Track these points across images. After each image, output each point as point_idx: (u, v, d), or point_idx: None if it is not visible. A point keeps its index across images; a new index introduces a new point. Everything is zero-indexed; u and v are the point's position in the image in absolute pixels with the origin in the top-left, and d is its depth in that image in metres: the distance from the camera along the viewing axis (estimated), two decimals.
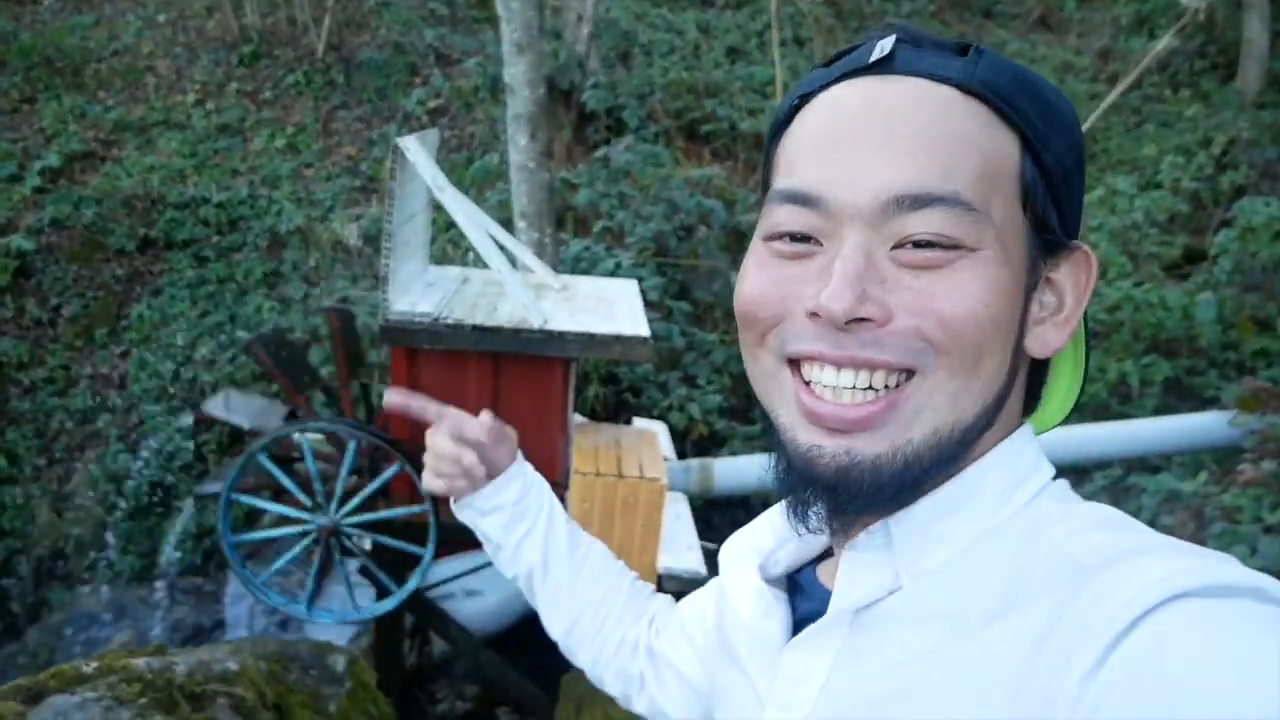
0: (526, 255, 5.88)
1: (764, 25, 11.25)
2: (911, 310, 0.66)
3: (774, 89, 9.77)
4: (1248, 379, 5.77)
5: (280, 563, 4.94)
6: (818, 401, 0.68)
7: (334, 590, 5.47)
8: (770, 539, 0.87)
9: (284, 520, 4.94)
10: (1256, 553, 4.24)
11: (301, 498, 4.86)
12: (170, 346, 8.54)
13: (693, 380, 7.24)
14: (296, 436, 4.96)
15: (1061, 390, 0.83)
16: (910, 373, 0.67)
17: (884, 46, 0.69)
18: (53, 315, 8.78)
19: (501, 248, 5.28)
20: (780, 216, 0.70)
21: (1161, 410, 6.31)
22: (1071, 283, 0.73)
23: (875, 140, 0.67)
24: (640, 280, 6.58)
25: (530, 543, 1.20)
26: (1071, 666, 0.55)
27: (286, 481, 4.81)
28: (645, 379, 7.23)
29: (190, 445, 7.77)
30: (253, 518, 6.41)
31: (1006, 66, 0.69)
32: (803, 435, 0.70)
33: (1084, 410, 6.51)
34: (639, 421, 6.12)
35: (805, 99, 0.73)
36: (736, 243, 8.02)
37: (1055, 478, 0.74)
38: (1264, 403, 5.16)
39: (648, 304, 6.57)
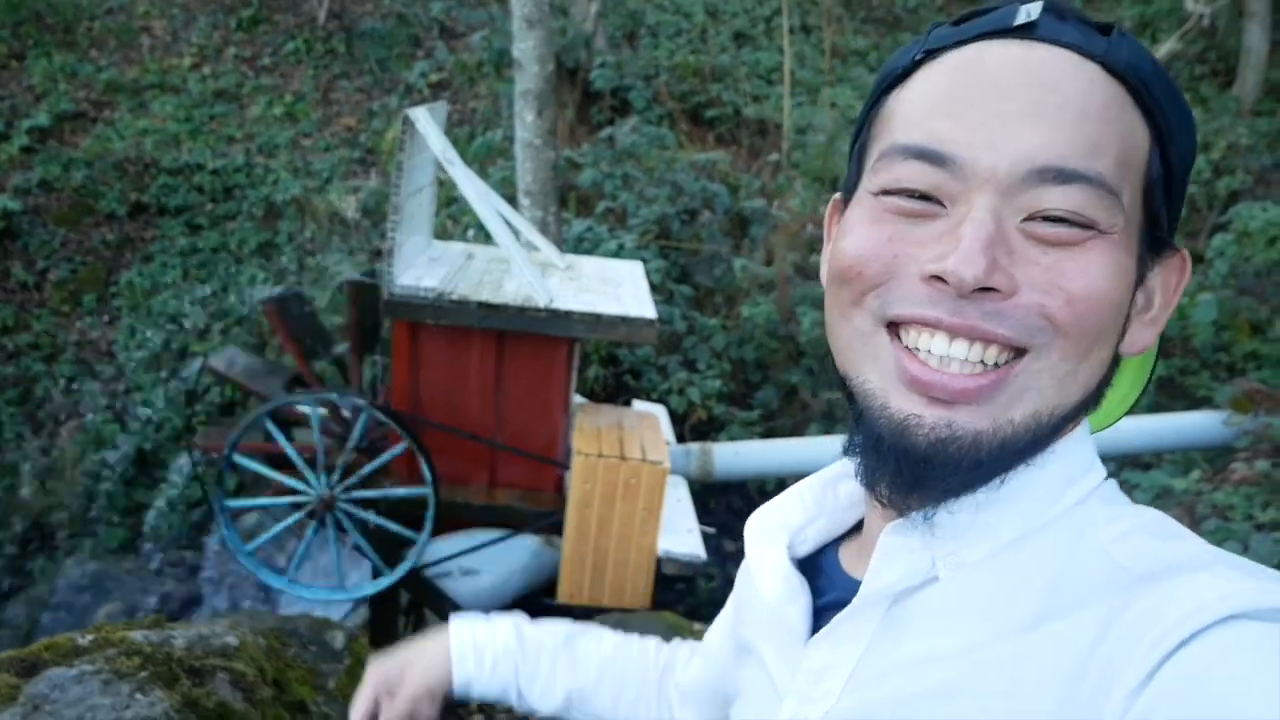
0: (532, 233, 5.86)
1: (773, 11, 11.21)
2: (1039, 286, 0.63)
3: (780, 75, 9.75)
4: (1241, 380, 5.84)
5: (270, 532, 4.92)
6: (923, 368, 0.65)
7: (321, 566, 5.45)
8: (799, 515, 0.84)
9: (280, 489, 4.91)
10: (1249, 549, 4.29)
11: (302, 467, 4.83)
12: (161, 315, 8.46)
13: (693, 364, 7.25)
14: (305, 406, 4.94)
15: (1121, 392, 0.81)
16: (1022, 351, 0.64)
17: (1030, 11, 0.67)
18: (39, 279, 8.68)
19: (508, 225, 5.26)
20: (902, 172, 0.66)
21: (1155, 409, 6.36)
22: (1163, 285, 0.72)
23: (1022, 104, 0.64)
24: (643, 262, 6.57)
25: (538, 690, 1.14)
26: (1119, 680, 0.54)
27: (290, 449, 4.78)
28: (646, 362, 7.23)
29: (176, 417, 7.70)
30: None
31: (1146, 53, 0.67)
32: (899, 401, 0.66)
33: None
34: (639, 404, 6.12)
35: (931, 54, 0.69)
36: (739, 228, 8.02)
37: (1107, 477, 0.73)
38: (1258, 404, 5.22)
39: (650, 287, 6.57)
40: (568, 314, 4.86)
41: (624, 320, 4.92)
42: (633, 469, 4.79)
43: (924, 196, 0.66)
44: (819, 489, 0.85)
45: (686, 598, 5.78)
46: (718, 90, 9.95)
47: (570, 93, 9.45)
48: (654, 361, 7.21)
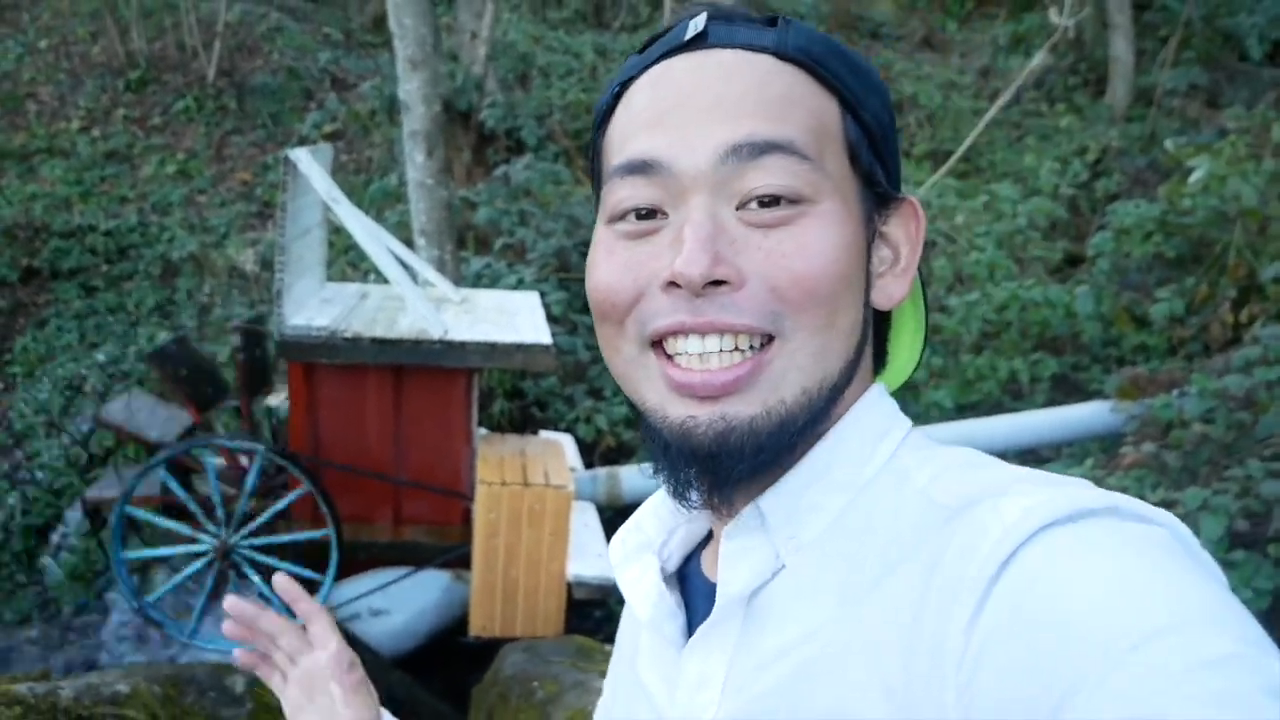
0: (427, 270, 5.83)
1: None
2: (762, 272, 0.66)
3: None
4: (1126, 369, 6.05)
5: (170, 584, 4.77)
6: (685, 372, 0.67)
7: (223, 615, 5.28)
8: (657, 530, 0.83)
9: (177, 539, 4.78)
10: None
11: (199, 516, 4.70)
12: (59, 379, 8.19)
13: (599, 392, 7.25)
14: (204, 454, 4.83)
15: (905, 345, 0.83)
16: (770, 337, 0.67)
17: (697, 24, 0.71)
18: None
19: (401, 263, 5.24)
20: (622, 193, 0.70)
21: (1051, 405, 6.56)
22: (904, 234, 0.75)
23: (706, 103, 0.67)
24: (543, 295, 6.58)
25: None
26: (952, 619, 0.55)
27: (185, 497, 4.65)
28: (551, 393, 7.22)
29: (76, 480, 7.43)
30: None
31: (816, 34, 0.72)
32: (675, 409, 0.68)
33: (979, 408, 6.74)
34: (545, 434, 6.11)
35: (625, 85, 0.73)
36: None
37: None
38: (1142, 389, 5.41)
39: (552, 319, 6.57)
40: (463, 344, 4.85)
41: (520, 348, 4.92)
42: (537, 494, 4.76)
43: (647, 214, 0.69)
44: (673, 501, 0.82)
45: (604, 625, 5.72)
46: None
47: (464, 135, 9.48)
48: (559, 392, 7.20)
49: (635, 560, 0.82)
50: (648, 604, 0.78)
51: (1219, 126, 8.32)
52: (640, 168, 0.68)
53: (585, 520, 5.33)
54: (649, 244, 0.69)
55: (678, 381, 0.67)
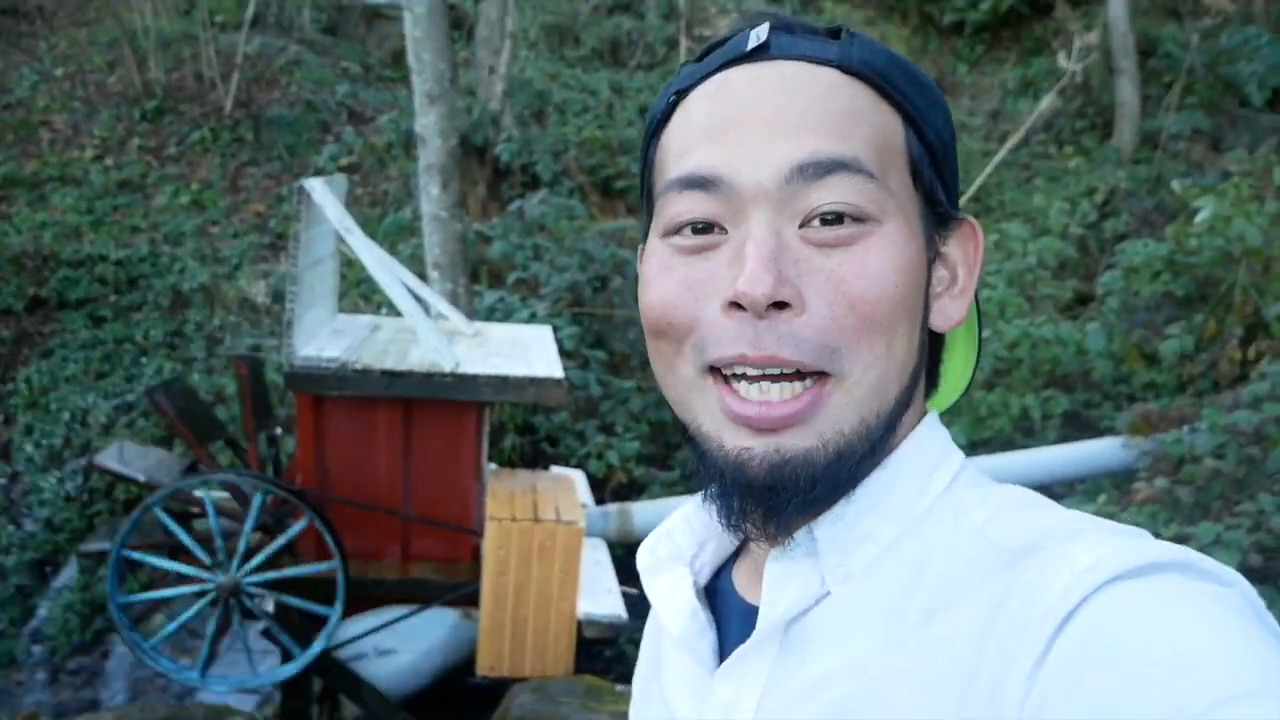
0: (440, 303, 5.84)
1: None
2: (824, 295, 0.64)
3: None
4: (1138, 405, 6.04)
5: (174, 625, 4.72)
6: (743, 404, 0.65)
7: (231, 655, 5.23)
8: (689, 541, 0.81)
9: (180, 579, 4.72)
10: None
11: (201, 555, 4.66)
12: (62, 411, 8.18)
13: (610, 428, 7.24)
14: (199, 490, 4.78)
15: (956, 367, 0.82)
16: (827, 374, 0.65)
17: (759, 34, 0.69)
18: None
19: (414, 296, 5.24)
20: (680, 206, 0.68)
21: (1063, 441, 6.53)
22: (962, 254, 0.74)
23: (768, 117, 0.66)
24: (556, 330, 6.59)
25: None
26: (1015, 664, 0.54)
27: (184, 537, 4.61)
28: (562, 428, 7.20)
29: (77, 518, 7.38)
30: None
31: (880, 48, 0.70)
32: (730, 439, 0.66)
33: (991, 444, 6.72)
34: (556, 470, 6.08)
35: (682, 94, 0.72)
36: None
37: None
38: (1153, 425, 5.39)
39: (564, 353, 6.58)
40: (474, 377, 4.84)
41: (532, 381, 4.90)
42: (547, 531, 4.73)
43: (705, 228, 0.67)
44: (705, 510, 0.80)
45: (615, 664, 5.67)
46: (626, 163, 10.16)
47: (480, 170, 9.55)
48: (571, 427, 7.19)
49: (666, 570, 0.80)
50: (680, 619, 0.76)
51: (1222, 169, 8.37)
52: (700, 183, 0.67)
53: (596, 557, 5.29)
54: (707, 261, 0.67)
55: (735, 412, 0.65)
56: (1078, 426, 6.91)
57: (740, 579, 0.79)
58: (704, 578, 0.81)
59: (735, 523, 0.69)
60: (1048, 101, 9.99)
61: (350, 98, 10.94)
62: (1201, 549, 3.79)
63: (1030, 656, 0.54)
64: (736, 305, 0.64)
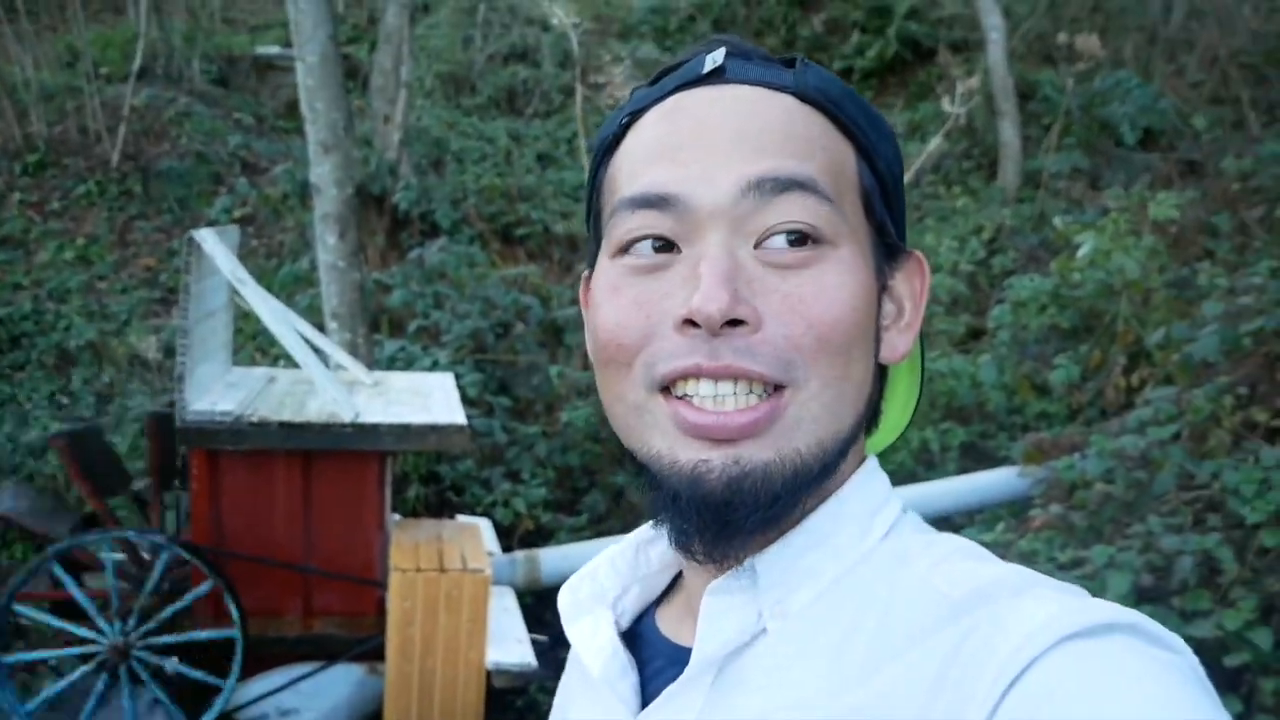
0: (339, 353, 5.74)
1: (572, 133, 11.65)
2: (780, 315, 0.63)
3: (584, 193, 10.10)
4: (1031, 435, 6.24)
5: (56, 688, 4.47)
6: (699, 413, 0.63)
7: None
8: (613, 581, 0.79)
9: (66, 640, 4.50)
10: None
11: (93, 614, 4.44)
12: None
13: (516, 475, 7.17)
14: (99, 551, 4.58)
15: (897, 406, 0.81)
16: (783, 386, 0.64)
17: (715, 58, 0.69)
18: None
19: (312, 347, 5.14)
20: (633, 223, 0.66)
21: (961, 473, 6.71)
22: (908, 289, 0.73)
23: (725, 137, 0.65)
24: (459, 377, 6.52)
25: None
26: (966, 715, 0.54)
27: (79, 594, 4.40)
28: (468, 476, 7.10)
29: None
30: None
31: (833, 78, 0.71)
32: (685, 453, 0.64)
33: (894, 477, 6.81)
34: (462, 518, 5.98)
35: (635, 116, 0.71)
36: (553, 337, 8.10)
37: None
38: (1046, 454, 5.58)
39: (468, 400, 6.50)
40: (375, 427, 4.76)
41: (433, 429, 4.84)
42: (453, 580, 4.64)
43: (661, 246, 0.66)
44: (631, 554, 0.80)
45: (526, 714, 5.56)
46: (526, 209, 10.19)
47: (378, 219, 9.46)
48: (476, 475, 7.09)
49: (587, 611, 0.78)
50: (601, 658, 0.74)
51: (1101, 206, 8.80)
52: (655, 201, 0.65)
53: (504, 605, 5.21)
54: (660, 280, 0.66)
55: (691, 423, 0.63)
56: (975, 457, 7.11)
57: (666, 622, 0.77)
58: (626, 620, 0.79)
59: (686, 543, 0.67)
60: (935, 144, 10.40)
61: (243, 149, 10.74)
62: (1096, 571, 3.91)
63: (980, 714, 0.53)
64: (690, 323, 0.63)
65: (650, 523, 0.72)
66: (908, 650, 0.59)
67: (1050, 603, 0.57)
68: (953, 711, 0.55)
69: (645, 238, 0.66)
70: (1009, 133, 11.11)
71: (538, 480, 7.12)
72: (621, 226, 0.67)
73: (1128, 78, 11.48)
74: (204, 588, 4.49)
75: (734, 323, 0.62)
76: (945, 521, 6.28)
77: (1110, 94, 11.42)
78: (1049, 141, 11.11)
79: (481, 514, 6.68)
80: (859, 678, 0.60)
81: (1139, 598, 3.78)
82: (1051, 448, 5.81)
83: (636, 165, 0.68)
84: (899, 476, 6.83)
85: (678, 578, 0.80)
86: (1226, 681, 3.43)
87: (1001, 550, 5.36)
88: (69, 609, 4.57)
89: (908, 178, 10.12)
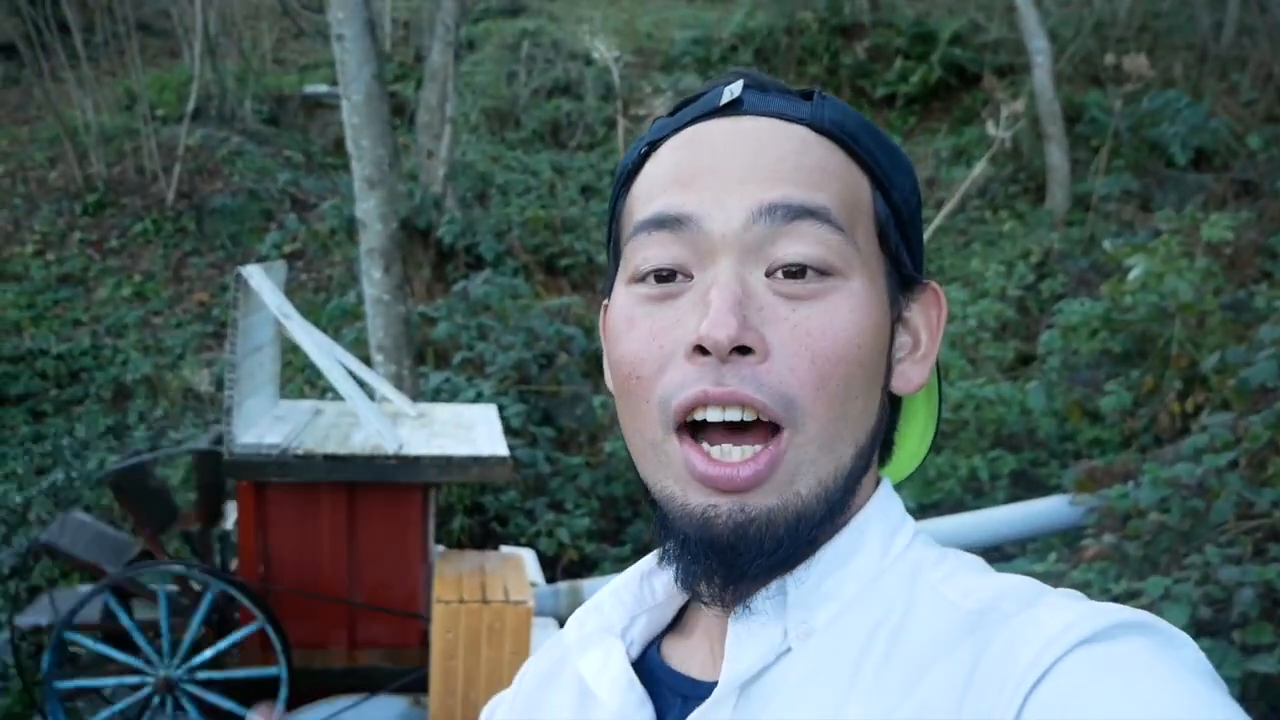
0: (383, 386, 5.79)
1: (615, 164, 11.75)
2: (787, 345, 0.64)
3: None
4: (1083, 462, 6.10)
5: (105, 715, 4.54)
6: (710, 464, 0.65)
7: None
8: (619, 614, 0.79)
9: (117, 668, 4.57)
10: None
11: (144, 646, 4.51)
12: (1, 509, 7.94)
13: (560, 505, 7.17)
14: (153, 586, 4.67)
15: (914, 434, 0.82)
16: (781, 429, 0.65)
17: (733, 90, 0.70)
18: None
19: (356, 379, 5.20)
20: (647, 251, 0.68)
21: (1012, 501, 6.57)
22: (924, 320, 0.74)
23: (739, 166, 0.67)
24: (502, 408, 6.55)
25: None
26: None
27: (131, 626, 4.47)
28: (511, 507, 7.12)
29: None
30: None
31: (850, 110, 0.71)
32: (696, 498, 0.65)
33: (941, 506, 6.74)
34: (506, 549, 5.99)
35: (654, 146, 0.73)
36: (597, 368, 8.13)
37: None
38: (1098, 482, 5.44)
39: (512, 431, 6.53)
40: (418, 459, 4.78)
41: (476, 460, 4.86)
42: (496, 612, 4.63)
43: (669, 276, 0.67)
44: (636, 585, 0.80)
45: None
46: (570, 241, 10.27)
47: (424, 253, 9.59)
48: (520, 506, 7.11)
49: (596, 644, 0.77)
50: (616, 691, 0.74)
51: (1152, 228, 8.64)
52: (668, 222, 0.67)
53: (548, 636, 5.18)
54: (672, 309, 0.67)
55: (702, 473, 0.65)
56: (1026, 486, 6.97)
57: (674, 653, 0.77)
58: (634, 652, 0.79)
59: (692, 585, 0.67)
60: (980, 168, 10.30)
61: (292, 186, 10.98)
62: (1151, 604, 3.79)
63: (1007, 715, 0.54)
64: (700, 350, 0.64)
65: (655, 553, 0.72)
66: (930, 667, 0.60)
67: (1064, 610, 0.58)
68: None
69: (657, 270, 0.68)
70: (1056, 156, 10.98)
71: (581, 510, 7.11)
72: (638, 253, 0.69)
73: (1177, 97, 11.29)
74: (251, 628, 4.54)
75: (743, 350, 0.63)
76: (995, 551, 6.15)
77: (1160, 114, 11.25)
78: (1098, 164, 10.95)
79: (526, 545, 6.68)
80: (880, 693, 0.61)
81: (1197, 631, 3.66)
82: (1104, 476, 5.66)
83: (653, 191, 0.70)
84: (947, 505, 6.71)
85: (684, 609, 0.80)
86: None
87: (1054, 581, 5.20)
88: (120, 639, 4.64)
89: (953, 202, 10.06)
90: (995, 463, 6.89)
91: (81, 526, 5.35)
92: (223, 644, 4.56)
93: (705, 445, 0.65)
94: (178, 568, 4.86)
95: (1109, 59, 10.78)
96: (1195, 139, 10.83)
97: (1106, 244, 8.41)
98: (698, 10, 16.32)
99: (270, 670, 4.54)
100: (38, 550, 5.08)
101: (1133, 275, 7.12)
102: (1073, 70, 12.62)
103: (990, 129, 10.09)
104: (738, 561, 0.65)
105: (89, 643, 4.60)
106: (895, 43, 13.87)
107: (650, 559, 0.80)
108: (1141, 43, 12.31)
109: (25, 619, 5.06)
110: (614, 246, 0.76)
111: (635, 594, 0.79)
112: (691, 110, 0.72)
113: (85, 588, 5.40)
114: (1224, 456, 4.54)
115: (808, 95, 0.71)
